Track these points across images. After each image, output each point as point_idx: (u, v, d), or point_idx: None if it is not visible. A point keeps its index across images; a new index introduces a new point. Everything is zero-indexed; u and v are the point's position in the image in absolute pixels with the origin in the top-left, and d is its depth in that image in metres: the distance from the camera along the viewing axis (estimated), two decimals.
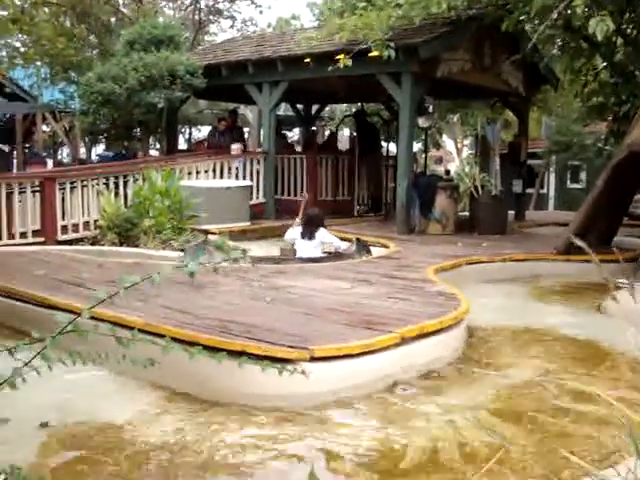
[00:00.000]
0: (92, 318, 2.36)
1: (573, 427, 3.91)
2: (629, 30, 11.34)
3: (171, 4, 25.93)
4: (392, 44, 10.10)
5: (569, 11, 9.69)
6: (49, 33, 18.57)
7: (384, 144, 15.98)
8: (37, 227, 9.91)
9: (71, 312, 4.46)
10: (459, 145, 31.31)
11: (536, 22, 10.48)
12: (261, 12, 47.94)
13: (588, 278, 7.58)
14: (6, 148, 21.72)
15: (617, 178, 8.99)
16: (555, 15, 9.42)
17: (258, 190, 12.70)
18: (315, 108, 18.44)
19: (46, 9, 20.50)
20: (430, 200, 11.64)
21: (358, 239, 9.49)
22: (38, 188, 10.03)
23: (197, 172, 11.92)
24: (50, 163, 20.18)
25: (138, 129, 13.86)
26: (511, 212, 13.74)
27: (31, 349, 2.27)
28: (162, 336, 4.01)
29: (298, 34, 12.99)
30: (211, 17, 25.76)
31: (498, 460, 2.94)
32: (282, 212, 12.80)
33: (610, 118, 12.38)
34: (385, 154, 15.62)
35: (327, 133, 19.62)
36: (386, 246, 9.70)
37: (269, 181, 12.82)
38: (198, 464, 3.53)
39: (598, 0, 9.27)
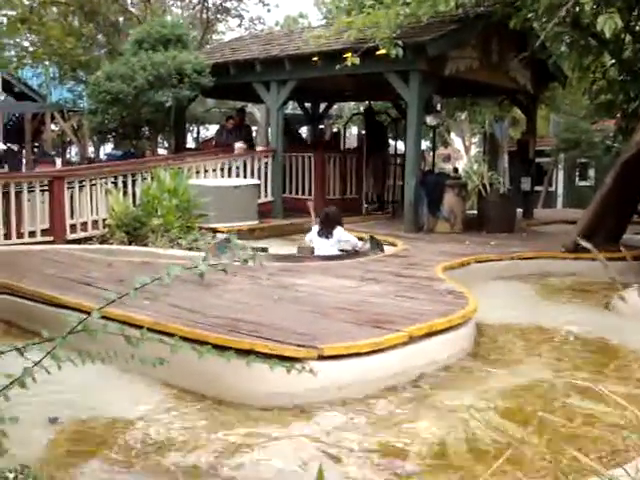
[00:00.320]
0: (101, 317, 2.37)
1: (582, 426, 3.90)
2: (638, 27, 11.28)
3: (179, 3, 25.95)
4: (400, 42, 10.09)
5: (577, 8, 9.64)
6: (57, 33, 18.63)
7: (392, 142, 15.97)
8: (46, 226, 9.94)
9: (80, 311, 4.49)
10: (467, 143, 31.26)
11: (544, 19, 10.43)
12: (269, 10, 47.85)
13: (597, 276, 7.54)
14: (15, 147, 21.81)
15: (626, 176, 8.96)
16: (563, 12, 9.37)
17: (266, 189, 12.71)
18: (323, 106, 18.43)
19: (54, 9, 20.57)
20: (438, 198, 11.62)
21: (372, 237, 9.51)
22: (47, 187, 10.06)
23: (205, 171, 11.93)
24: (59, 162, 20.24)
25: (146, 128, 13.89)
26: (519, 210, 13.72)
27: (41, 348, 2.28)
28: (171, 335, 4.04)
29: (306, 33, 12.99)
30: (219, 16, 25.75)
31: (507, 459, 2.94)
32: (290, 211, 12.82)
33: (618, 115, 12.33)
34: (393, 152, 15.62)
35: (332, 132, 19.59)
36: (394, 244, 9.70)
37: (277, 180, 12.82)
38: (206, 462, 3.54)
39: None
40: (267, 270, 7.16)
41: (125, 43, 14.95)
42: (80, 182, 10.42)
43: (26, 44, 21.00)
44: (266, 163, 12.73)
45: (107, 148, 25.49)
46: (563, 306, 7.33)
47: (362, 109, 20.22)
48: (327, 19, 23.19)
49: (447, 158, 33.16)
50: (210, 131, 27.39)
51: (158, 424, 4.01)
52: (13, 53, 20.78)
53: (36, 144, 22.59)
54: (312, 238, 9.18)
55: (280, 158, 12.87)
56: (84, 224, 10.36)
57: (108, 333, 2.34)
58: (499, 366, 5.13)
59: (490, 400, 4.34)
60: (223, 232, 10.11)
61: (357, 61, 9.96)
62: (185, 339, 3.44)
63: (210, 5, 24.78)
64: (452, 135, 30.29)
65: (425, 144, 19.84)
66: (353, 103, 24.69)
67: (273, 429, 3.94)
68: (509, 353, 5.55)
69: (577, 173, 26.51)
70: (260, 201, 12.11)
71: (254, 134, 18.55)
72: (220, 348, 3.51)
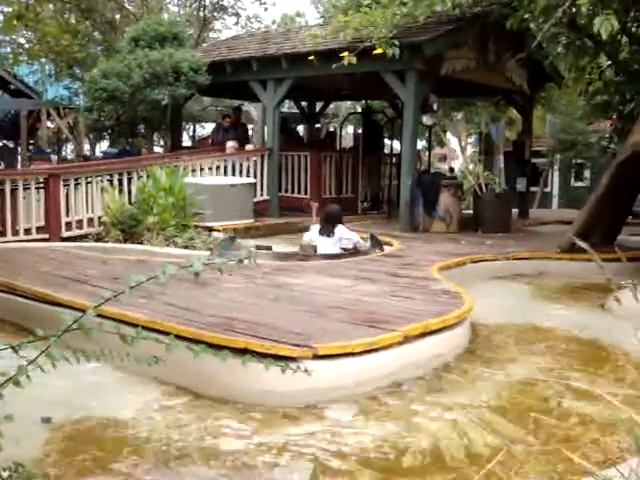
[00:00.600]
0: (97, 315, 2.37)
1: (576, 427, 3.91)
2: (634, 29, 11.31)
3: (176, 0, 25.95)
4: (397, 42, 10.11)
5: (574, 9, 9.66)
6: (54, 30, 18.60)
7: (388, 142, 15.98)
8: (41, 223, 9.94)
9: (75, 309, 4.48)
10: (463, 143, 31.16)
11: (541, 20, 10.45)
12: (266, 9, 47.85)
13: (592, 277, 7.56)
14: (11, 144, 21.76)
15: (621, 177, 8.97)
16: (560, 13, 9.39)
17: (262, 187, 12.71)
18: (319, 105, 18.44)
19: (51, 6, 20.54)
20: (434, 198, 11.63)
21: (372, 235, 9.53)
22: (42, 184, 10.05)
23: (201, 169, 11.93)
24: (54, 160, 20.20)
25: (142, 126, 13.90)
26: (515, 210, 13.74)
27: (35, 347, 2.28)
28: (166, 333, 4.03)
29: (303, 31, 13.01)
30: (215, 14, 25.74)
31: (501, 460, 2.95)
32: (286, 209, 12.82)
33: (614, 117, 12.36)
34: (389, 152, 15.64)
35: (327, 131, 19.60)
36: (390, 244, 9.70)
37: (273, 178, 12.82)
38: (201, 461, 3.54)
39: None
40: (262, 269, 7.16)
41: (121, 41, 14.94)
42: (76, 180, 10.42)
43: (22, 41, 20.98)
44: (262, 162, 12.73)
45: (103, 146, 25.46)
46: (558, 306, 7.35)
47: (359, 109, 20.24)
48: (324, 18, 23.21)
49: (443, 158, 33.18)
50: (206, 129, 27.39)
51: (153, 423, 4.01)
52: (9, 50, 20.75)
53: (32, 141, 22.54)
54: (313, 237, 9.18)
55: (276, 157, 12.87)
56: (79, 222, 10.35)
57: (103, 331, 2.33)
58: (494, 366, 5.13)
59: (484, 400, 4.35)
60: (219, 230, 10.12)
61: (354, 60, 9.97)
62: (180, 338, 3.45)
63: (207, 3, 24.79)
64: (448, 135, 30.26)
65: (421, 144, 19.85)
66: (349, 102, 24.71)
67: (267, 428, 3.94)
68: (504, 353, 5.55)
69: (573, 174, 26.58)
70: (256, 200, 12.11)
71: (250, 133, 18.55)
72: (215, 347, 3.52)
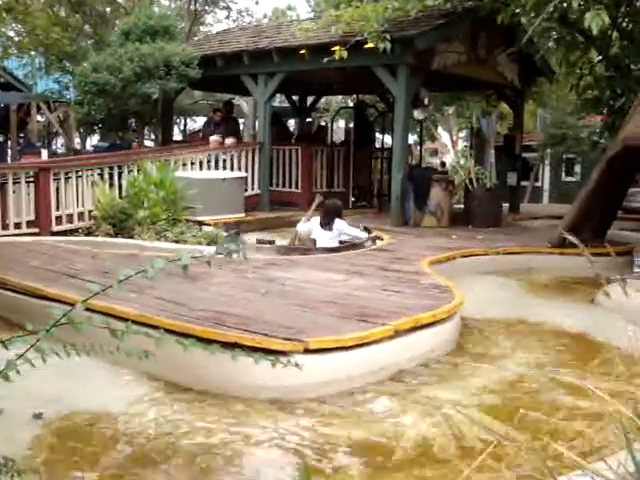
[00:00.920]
0: (86, 309, 2.37)
1: (566, 421, 3.93)
2: (625, 24, 11.34)
3: None
4: (388, 36, 10.10)
5: (565, 4, 9.68)
6: (44, 22, 18.48)
7: (379, 136, 15.97)
8: (31, 218, 9.89)
9: (65, 303, 4.47)
10: (454, 137, 31.31)
11: (532, 15, 10.47)
12: (257, 2, 47.77)
13: (582, 271, 7.58)
14: (0, 138, 21.64)
15: (611, 172, 9.00)
16: (551, 8, 9.41)
17: (253, 181, 12.70)
18: (311, 99, 18.41)
19: None
20: (425, 193, 11.63)
21: (365, 227, 9.57)
22: (32, 178, 10.00)
23: (192, 163, 11.90)
24: (45, 153, 20.10)
25: (133, 120, 13.84)
26: (506, 205, 13.76)
27: (25, 341, 2.27)
28: (156, 328, 4.03)
29: (294, 25, 12.96)
30: (207, 7, 25.70)
31: (491, 454, 2.95)
32: (277, 204, 12.81)
33: (605, 111, 12.39)
34: (381, 146, 15.64)
35: (318, 125, 19.57)
36: (381, 238, 9.71)
37: (264, 172, 12.81)
38: (192, 455, 3.54)
39: None
40: (253, 264, 7.16)
41: (112, 34, 14.87)
42: (66, 174, 10.37)
43: (11, 34, 20.85)
44: (253, 156, 12.71)
45: (93, 140, 25.39)
46: (548, 301, 7.37)
47: (351, 103, 20.22)
48: (315, 12, 23.17)
49: (434, 152, 33.24)
50: (197, 123, 27.36)
51: (143, 417, 4.00)
52: None
53: (21, 135, 22.43)
54: (313, 229, 9.20)
55: (267, 151, 12.85)
56: (70, 216, 10.31)
57: (93, 326, 2.33)
58: (484, 360, 5.15)
59: (475, 395, 4.36)
60: (210, 225, 10.09)
61: (345, 54, 9.96)
62: (170, 332, 3.44)
63: None
64: (439, 129, 30.33)
65: (412, 138, 19.86)
66: (341, 96, 24.69)
67: (258, 422, 3.94)
68: (494, 347, 5.57)
69: (563, 168, 26.65)
70: (247, 194, 12.09)
71: (241, 127, 18.52)
72: (206, 341, 3.51)
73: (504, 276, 8.31)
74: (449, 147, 31.98)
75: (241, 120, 20.80)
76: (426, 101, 12.55)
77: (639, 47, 10.94)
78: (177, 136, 22.38)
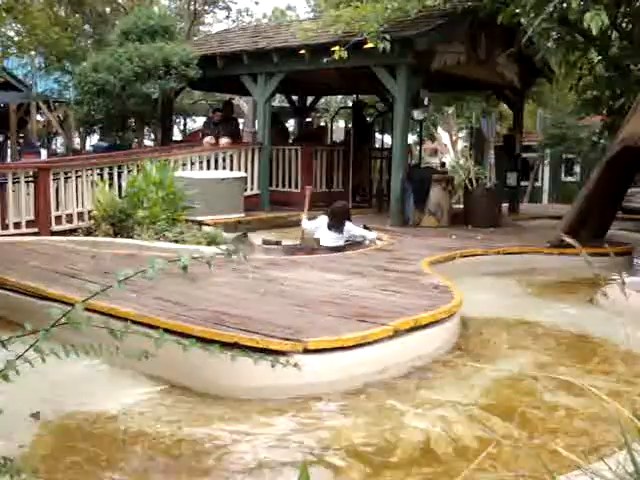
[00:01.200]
0: (86, 309, 2.37)
1: (564, 420, 3.94)
2: (624, 24, 11.34)
3: None
4: (387, 36, 10.10)
5: (564, 5, 9.68)
6: (43, 22, 18.47)
7: (379, 136, 15.97)
8: (31, 218, 9.89)
9: (65, 303, 4.47)
10: (454, 137, 31.29)
11: (531, 15, 10.46)
12: (257, 3, 47.90)
13: (582, 271, 7.59)
14: (0, 138, 21.65)
15: (611, 172, 9.00)
16: (551, 8, 9.41)
17: (252, 181, 12.70)
18: (310, 100, 18.41)
19: None
20: (425, 192, 11.64)
21: (365, 226, 9.62)
22: (32, 178, 10.00)
23: (192, 163, 11.91)
24: (44, 153, 20.13)
25: (133, 119, 13.84)
26: (505, 205, 13.77)
27: (24, 341, 2.28)
28: (156, 328, 4.03)
29: (294, 25, 12.97)
30: (206, 7, 25.70)
31: (489, 454, 2.96)
32: (276, 204, 12.81)
33: (604, 112, 12.39)
34: (380, 146, 15.64)
35: (318, 125, 19.57)
36: (380, 238, 9.72)
37: (264, 172, 12.81)
38: (191, 456, 3.54)
39: None
40: (253, 264, 7.16)
41: (112, 34, 14.87)
42: (66, 173, 10.37)
43: (11, 34, 20.84)
44: (253, 156, 12.71)
45: (93, 139, 25.36)
46: (547, 301, 7.38)
47: (350, 103, 20.21)
48: (315, 12, 23.17)
49: (434, 152, 33.23)
50: (197, 123, 27.35)
51: (142, 417, 4.01)
52: None
53: (21, 135, 22.44)
54: (319, 228, 9.25)
55: (267, 151, 12.85)
56: (69, 216, 10.31)
57: (92, 326, 2.33)
58: (483, 360, 5.15)
59: (474, 395, 4.36)
60: (209, 225, 10.09)
61: (345, 55, 9.96)
62: (170, 332, 3.44)
63: None
64: (439, 130, 30.34)
65: (412, 138, 19.86)
66: (340, 97, 24.69)
67: (257, 422, 3.95)
68: (493, 347, 5.57)
69: (563, 168, 26.66)
70: (246, 194, 12.09)
71: (241, 127, 18.52)
72: (205, 341, 3.51)
73: (503, 276, 8.32)
74: (449, 147, 31.95)
75: (241, 120, 20.80)
76: (426, 101, 12.57)
77: (639, 47, 10.94)
78: (177, 136, 22.37)
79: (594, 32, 8.48)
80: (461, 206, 12.74)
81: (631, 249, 9.61)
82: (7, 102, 20.76)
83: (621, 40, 11.38)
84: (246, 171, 12.48)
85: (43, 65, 20.71)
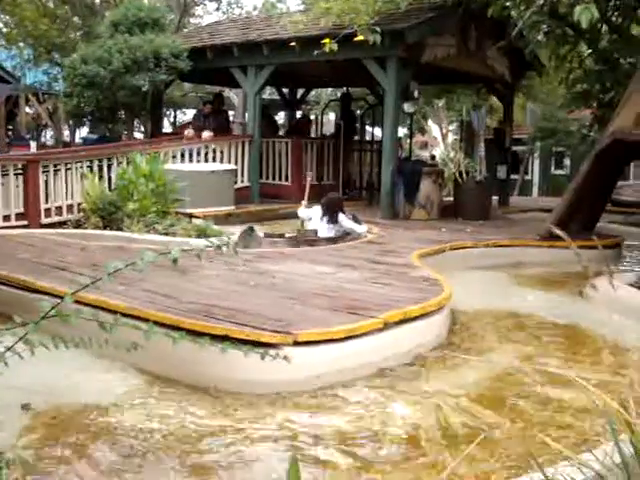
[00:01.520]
0: (75, 302, 2.37)
1: (553, 412, 3.96)
2: (614, 18, 11.36)
3: None
4: (378, 29, 10.07)
5: None
6: (32, 14, 18.40)
7: (369, 129, 15.95)
8: (20, 210, 9.85)
9: (54, 296, 4.46)
10: (444, 130, 31.32)
11: (522, 8, 10.47)
12: None
13: (571, 264, 7.61)
14: None
15: (601, 165, 9.03)
16: (541, 1, 9.43)
17: (243, 174, 12.68)
18: (301, 92, 18.37)
19: None
20: (415, 185, 11.65)
21: (354, 216, 9.66)
22: (21, 171, 9.96)
23: (182, 155, 11.88)
24: (33, 146, 20.02)
25: (122, 112, 13.79)
26: (495, 198, 13.80)
27: (14, 333, 2.27)
28: (145, 320, 4.03)
29: (284, 17, 12.93)
30: None
31: (478, 445, 2.98)
32: (266, 196, 12.81)
33: (594, 105, 12.43)
34: (370, 139, 15.64)
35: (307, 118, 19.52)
36: (370, 231, 9.72)
37: (254, 165, 12.79)
38: (181, 449, 3.54)
39: None
40: (243, 256, 7.15)
41: (101, 25, 14.80)
42: (55, 166, 10.33)
43: (0, 25, 20.73)
44: (243, 148, 12.69)
45: (83, 132, 25.26)
46: (537, 293, 7.41)
47: (341, 94, 20.18)
48: (306, 4, 23.10)
49: (424, 145, 33.25)
50: (187, 115, 27.28)
51: (132, 410, 4.01)
52: None
53: (10, 127, 22.32)
54: (312, 217, 9.34)
55: (257, 143, 12.83)
56: (59, 208, 10.27)
57: (82, 318, 2.33)
58: (473, 353, 5.17)
59: (463, 387, 4.38)
60: (199, 217, 10.08)
61: (335, 47, 9.94)
62: (159, 324, 3.44)
63: None
64: (429, 122, 30.36)
65: (402, 131, 19.86)
66: (331, 89, 24.66)
67: (247, 416, 3.95)
68: (483, 340, 5.59)
69: (553, 162, 26.74)
70: (237, 186, 12.07)
71: (232, 119, 18.48)
72: (195, 334, 3.52)
73: (493, 269, 8.34)
74: (439, 140, 31.99)
75: (231, 112, 20.75)
76: (416, 94, 12.55)
77: (628, 41, 10.97)
78: (167, 128, 22.31)
79: (584, 25, 8.48)
80: (451, 199, 12.76)
81: (620, 242, 9.66)
82: None
83: (611, 33, 11.40)
84: (236, 163, 12.46)
85: (32, 57, 20.59)
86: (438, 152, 25.14)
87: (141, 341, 2.53)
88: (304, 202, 9.84)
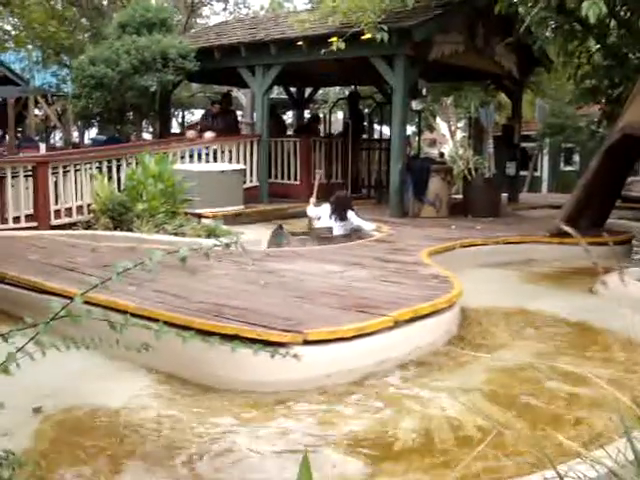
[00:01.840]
0: (85, 302, 2.37)
1: (565, 409, 3.94)
2: (622, 12, 11.31)
3: None
4: (385, 27, 10.07)
5: None
6: (40, 16, 18.46)
7: (377, 127, 15.92)
8: (30, 212, 9.88)
9: (65, 297, 4.47)
10: (453, 128, 31.18)
11: (529, 4, 10.44)
12: None
13: (581, 261, 7.58)
14: None
15: (610, 161, 8.99)
16: None
17: (251, 174, 12.69)
18: (309, 91, 18.36)
19: None
20: (424, 183, 11.63)
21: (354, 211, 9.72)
22: (31, 172, 9.99)
23: (190, 156, 11.89)
24: (43, 147, 20.08)
25: (131, 113, 13.82)
26: (504, 194, 13.76)
27: (24, 334, 2.28)
28: (155, 320, 4.03)
29: (291, 17, 12.93)
30: (203, 0, 25.60)
31: (491, 443, 2.96)
32: (275, 196, 12.81)
33: (603, 101, 12.38)
34: (379, 137, 15.62)
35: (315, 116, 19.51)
36: (379, 229, 9.71)
37: (263, 165, 12.79)
38: (192, 449, 3.55)
39: None
40: (252, 256, 7.16)
41: (109, 27, 14.83)
42: (64, 167, 10.35)
43: (8, 27, 20.81)
44: (251, 148, 12.70)
45: (92, 133, 25.35)
46: (547, 290, 7.38)
47: (348, 93, 20.16)
48: (312, 3, 23.10)
49: (433, 143, 33.19)
50: (195, 116, 27.32)
51: (144, 411, 4.01)
52: None
53: (19, 129, 22.40)
54: (321, 215, 9.42)
55: (266, 143, 12.83)
56: (68, 210, 10.30)
57: (92, 319, 2.33)
58: (484, 350, 5.16)
59: (474, 384, 4.37)
60: (208, 217, 10.09)
61: (342, 46, 9.94)
62: (170, 324, 3.44)
63: None
64: (437, 120, 30.28)
65: (410, 129, 19.83)
66: (338, 88, 24.64)
67: (257, 415, 3.95)
68: (493, 337, 5.57)
69: (562, 158, 26.65)
70: (245, 186, 12.08)
71: (240, 119, 18.50)
72: (205, 333, 3.51)
73: (503, 266, 8.32)
74: (447, 137, 31.86)
75: (239, 112, 20.76)
76: (424, 92, 12.56)
77: (637, 36, 10.92)
78: (175, 129, 22.34)
79: (592, 21, 8.45)
80: (460, 196, 12.74)
81: (630, 238, 9.62)
82: (5, 96, 20.72)
83: (619, 28, 11.35)
84: (245, 163, 12.46)
85: (40, 59, 20.66)
86: (447, 149, 25.08)
87: (151, 341, 2.53)
88: (312, 200, 9.88)
